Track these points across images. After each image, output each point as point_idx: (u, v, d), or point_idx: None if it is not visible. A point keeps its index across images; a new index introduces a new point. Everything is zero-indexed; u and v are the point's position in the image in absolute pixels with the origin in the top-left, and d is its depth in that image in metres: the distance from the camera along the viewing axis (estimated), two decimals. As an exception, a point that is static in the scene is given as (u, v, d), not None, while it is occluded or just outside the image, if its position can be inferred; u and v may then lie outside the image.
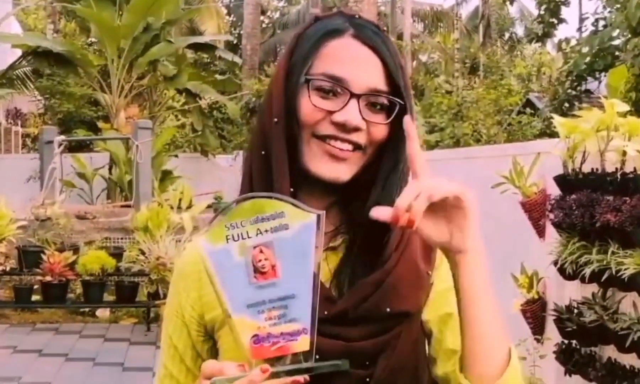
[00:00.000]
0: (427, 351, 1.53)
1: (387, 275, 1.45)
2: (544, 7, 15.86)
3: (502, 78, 18.78)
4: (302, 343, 1.29)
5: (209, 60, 21.85)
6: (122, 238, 11.06)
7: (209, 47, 17.76)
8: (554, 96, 14.49)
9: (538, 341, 5.59)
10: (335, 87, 1.41)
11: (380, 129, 1.44)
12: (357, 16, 1.48)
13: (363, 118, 1.41)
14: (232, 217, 1.29)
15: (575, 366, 5.05)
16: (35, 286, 10.40)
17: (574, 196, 4.96)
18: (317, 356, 1.31)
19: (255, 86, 13.43)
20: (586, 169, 4.96)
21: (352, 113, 1.40)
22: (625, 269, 4.45)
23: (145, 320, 10.02)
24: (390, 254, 1.46)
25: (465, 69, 22.64)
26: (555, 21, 15.82)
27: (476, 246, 1.37)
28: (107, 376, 8.04)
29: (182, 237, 9.28)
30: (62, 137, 13.96)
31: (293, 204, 1.29)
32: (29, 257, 10.34)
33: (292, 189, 1.41)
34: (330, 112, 1.41)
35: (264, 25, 23.36)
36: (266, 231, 1.28)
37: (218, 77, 17.71)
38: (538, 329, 5.62)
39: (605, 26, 14.39)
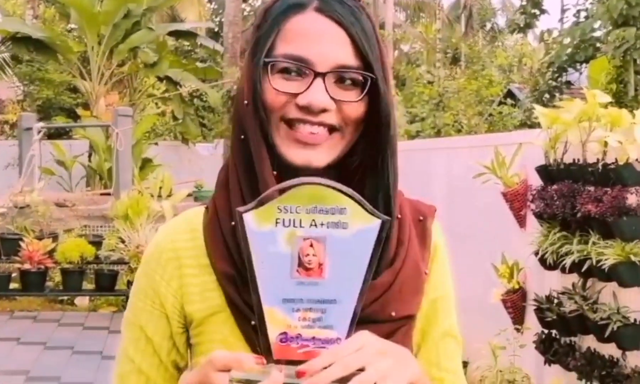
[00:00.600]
0: None
1: (395, 276, 1.38)
2: (525, -3, 15.88)
3: (483, 69, 18.79)
4: None
5: (189, 47, 21.78)
6: (101, 226, 11.01)
7: (190, 35, 17.71)
8: (535, 87, 14.52)
9: (518, 330, 5.61)
10: (298, 68, 1.32)
11: (353, 107, 1.34)
12: None
13: (331, 97, 1.32)
14: (286, 200, 1.15)
15: (555, 356, 5.07)
16: (14, 274, 10.35)
17: (555, 187, 4.96)
18: None
19: (236, 74, 13.37)
20: (567, 159, 4.97)
21: (317, 94, 1.31)
22: (605, 260, 4.46)
23: (125, 308, 9.96)
24: (394, 252, 1.40)
25: (447, 60, 22.66)
26: (537, 12, 15.82)
27: (412, 372, 1.24)
28: (86, 364, 8.00)
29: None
30: (42, 124, 13.88)
31: (359, 203, 1.17)
32: (7, 244, 10.28)
33: (275, 173, 1.33)
34: (295, 95, 1.32)
35: (245, 13, 23.26)
36: (322, 224, 1.16)
37: (199, 64, 17.65)
38: (518, 318, 5.64)
39: (586, 17, 14.42)
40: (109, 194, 12.49)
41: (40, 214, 10.48)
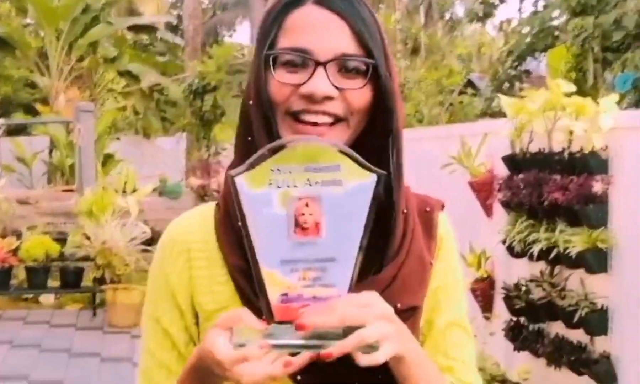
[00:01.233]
0: None
1: (399, 269, 1.40)
2: (485, -13, 16.01)
3: (443, 59, 18.89)
4: None
5: (147, 41, 21.62)
6: (65, 223, 10.90)
7: (149, 29, 17.60)
8: (495, 76, 14.62)
9: (487, 319, 5.67)
10: (301, 59, 1.34)
11: (357, 95, 1.35)
12: None
13: (335, 86, 1.33)
14: (279, 160, 1.15)
15: (524, 343, 5.14)
16: (-23, 273, 10.22)
17: (521, 176, 5.03)
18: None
19: (198, 68, 13.32)
20: (533, 148, 5.03)
21: (319, 82, 1.32)
22: (572, 247, 4.53)
23: (91, 305, 9.92)
24: (398, 245, 1.41)
25: (407, 50, 22.73)
26: (496, 1, 15.95)
27: (411, 347, 1.28)
28: (54, 362, 7.94)
29: (128, 221, 9.21)
30: (1, 120, 13.72)
31: (353, 158, 1.17)
32: (-31, 243, 10.15)
33: None
34: (298, 86, 1.34)
35: (203, 6, 23.14)
36: (316, 183, 1.15)
37: (160, 58, 17.56)
38: (487, 307, 5.71)
39: (545, 7, 14.56)
40: (71, 190, 12.37)
41: (3, 211, 10.37)
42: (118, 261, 8.90)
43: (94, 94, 17.28)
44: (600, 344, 4.63)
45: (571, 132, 4.68)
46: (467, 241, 5.74)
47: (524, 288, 5.08)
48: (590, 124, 4.56)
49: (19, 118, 18.74)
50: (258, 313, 1.24)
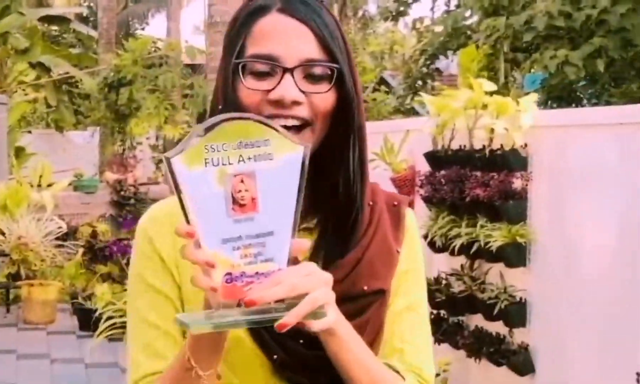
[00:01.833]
0: None
1: (363, 253, 1.47)
2: (398, -15, 16.18)
3: (356, 56, 19.04)
4: None
5: (57, 32, 21.22)
6: (-24, 217, 10.66)
7: (62, 20, 17.29)
8: (408, 74, 14.82)
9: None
10: (268, 66, 1.38)
11: (322, 98, 1.40)
12: None
13: (302, 91, 1.38)
14: (213, 139, 1.16)
15: (444, 335, 5.26)
16: None
17: (443, 172, 5.14)
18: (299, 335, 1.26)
19: (113, 61, 13.15)
20: (455, 146, 5.15)
21: (287, 88, 1.37)
22: (493, 242, 4.67)
23: (5, 302, 9.72)
24: (364, 231, 1.48)
25: (321, 47, 22.77)
26: (409, 0, 16.16)
27: (340, 318, 1.34)
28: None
29: (44, 215, 9.07)
30: None
31: (279, 132, 1.21)
32: None
33: None
34: (267, 92, 1.38)
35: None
36: (249, 158, 1.18)
37: (73, 51, 17.29)
38: (408, 300, 5.80)
39: (457, 6, 14.82)
40: (-19, 184, 12.09)
41: None
42: (34, 257, 8.76)
43: (4, 86, 16.87)
44: (518, 336, 4.78)
45: (492, 130, 4.81)
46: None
47: (444, 282, 5.20)
48: (511, 123, 4.70)
49: None
50: None
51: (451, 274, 5.17)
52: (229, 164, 1.17)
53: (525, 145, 4.69)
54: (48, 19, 17.66)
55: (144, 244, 1.49)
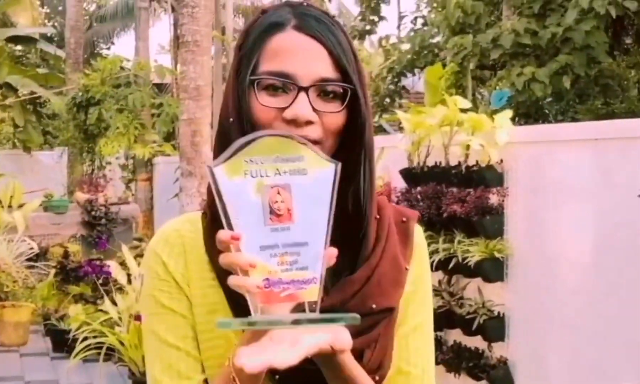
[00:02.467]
0: None
1: (373, 270, 1.46)
2: (365, 5, 16.32)
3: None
4: (311, 293, 1.25)
5: (22, 52, 21.04)
6: (-56, 239, 10.55)
7: (29, 40, 17.18)
8: (375, 92, 14.90)
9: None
10: (283, 84, 1.38)
11: (334, 118, 1.40)
12: (304, 4, 1.45)
13: (315, 109, 1.38)
14: (252, 153, 1.22)
15: (422, 351, 5.30)
16: None
17: (419, 189, 5.20)
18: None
19: (81, 81, 13.08)
20: (430, 162, 5.21)
21: (302, 107, 1.37)
22: (471, 257, 4.72)
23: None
24: (372, 247, 1.47)
25: (288, 65, 22.87)
26: (376, 19, 16.30)
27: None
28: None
29: (15, 236, 9.00)
30: None
31: (312, 150, 1.25)
32: None
33: None
34: (281, 110, 1.38)
35: (86, 18, 22.72)
36: (285, 172, 1.23)
37: (40, 71, 17.18)
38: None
39: (424, 24, 14.97)
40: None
41: None
42: (5, 278, 8.68)
43: (-31, 107, 16.75)
44: (497, 350, 4.84)
45: (468, 147, 4.88)
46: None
47: (422, 297, 5.23)
48: (486, 139, 4.77)
49: None
50: (246, 314, 1.28)
51: (429, 290, 5.21)
52: (267, 176, 1.22)
53: (501, 161, 4.76)
54: (15, 40, 17.54)
55: (157, 266, 1.49)
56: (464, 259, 4.77)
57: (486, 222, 4.75)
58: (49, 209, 10.48)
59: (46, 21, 28.88)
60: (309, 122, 1.39)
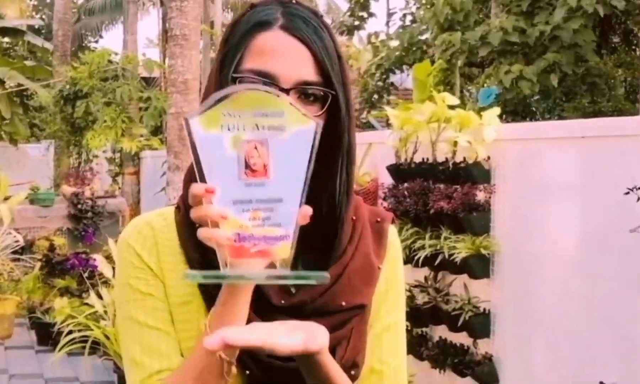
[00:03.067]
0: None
1: (344, 268, 1.47)
2: (354, 1, 16.32)
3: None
4: (283, 249, 1.23)
5: (9, 44, 20.97)
6: None
7: (16, 32, 17.12)
8: (364, 88, 14.90)
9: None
10: (264, 84, 1.36)
11: None
12: (293, 2, 1.44)
13: None
14: (230, 105, 1.20)
15: (408, 346, 5.27)
16: None
17: (406, 184, 5.20)
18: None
19: (69, 73, 13.03)
20: (418, 159, 5.21)
21: None
22: (457, 253, 4.73)
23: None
24: (345, 246, 1.48)
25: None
26: (365, 15, 16.30)
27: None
28: None
29: (0, 229, 8.97)
30: None
31: (292, 106, 1.22)
32: None
33: None
34: None
35: (74, 10, 22.63)
36: (263, 127, 1.21)
37: (28, 63, 17.11)
38: (371, 312, 5.84)
39: (412, 21, 14.98)
40: None
41: None
42: (-10, 271, 8.67)
43: (-44, 99, 16.66)
44: (482, 347, 4.85)
45: (455, 143, 4.89)
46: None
47: (408, 294, 5.24)
48: (473, 136, 4.77)
49: None
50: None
51: (415, 286, 5.22)
52: (244, 130, 1.20)
53: (489, 158, 4.77)
54: (2, 31, 17.48)
55: (130, 256, 1.49)
56: (450, 255, 4.77)
57: (473, 219, 4.76)
58: (35, 202, 10.46)
59: (34, 13, 28.79)
60: None
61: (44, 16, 27.75)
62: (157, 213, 1.56)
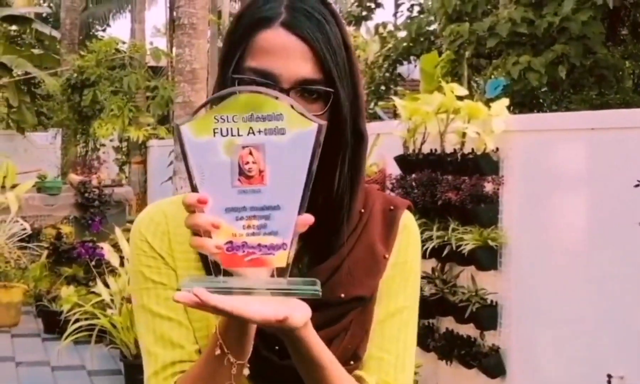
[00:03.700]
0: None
1: (342, 261, 1.44)
2: (362, -10, 16.31)
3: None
4: (279, 259, 1.19)
5: (16, 32, 20.94)
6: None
7: (24, 20, 17.11)
8: (371, 79, 14.88)
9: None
10: (265, 83, 1.33)
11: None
12: None
13: None
14: (223, 110, 1.15)
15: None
16: None
17: (414, 175, 5.19)
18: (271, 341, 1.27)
19: (77, 62, 13.03)
20: (426, 150, 5.20)
21: None
22: (465, 245, 4.72)
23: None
24: (345, 238, 1.45)
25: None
26: (373, 5, 16.27)
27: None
28: None
29: (8, 217, 8.98)
30: None
31: (293, 108, 1.18)
32: None
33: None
34: None
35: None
36: (259, 131, 1.16)
37: (35, 51, 17.11)
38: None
39: (420, 12, 14.94)
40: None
41: None
42: (-2, 258, 8.69)
43: (-37, 86, 16.68)
44: (489, 338, 4.84)
45: (464, 134, 4.87)
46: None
47: (415, 285, 5.23)
48: (482, 127, 4.76)
49: None
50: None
51: (422, 277, 5.18)
52: (239, 135, 1.16)
53: (497, 149, 4.75)
54: (10, 19, 17.45)
55: (142, 245, 1.49)
56: (457, 247, 4.76)
57: (481, 211, 4.75)
58: (42, 190, 10.46)
59: (42, 1, 28.76)
60: None
61: (51, 4, 27.70)
62: (169, 200, 1.55)
